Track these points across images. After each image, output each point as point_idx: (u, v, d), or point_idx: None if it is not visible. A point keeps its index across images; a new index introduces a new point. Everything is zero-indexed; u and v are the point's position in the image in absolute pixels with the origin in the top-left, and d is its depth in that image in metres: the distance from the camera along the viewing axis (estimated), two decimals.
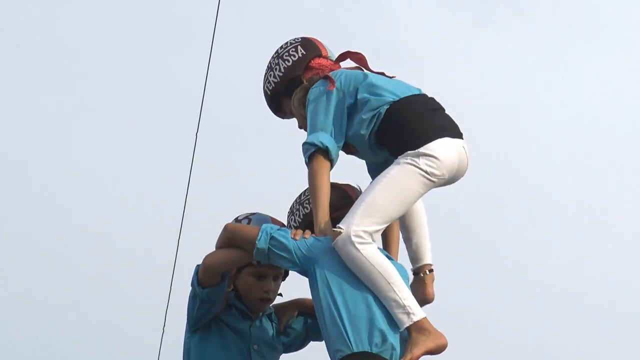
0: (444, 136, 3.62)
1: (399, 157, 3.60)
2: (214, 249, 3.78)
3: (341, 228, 3.50)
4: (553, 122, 13.80)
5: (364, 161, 3.95)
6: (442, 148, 3.59)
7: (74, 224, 12.92)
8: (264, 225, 3.66)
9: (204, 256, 3.80)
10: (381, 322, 3.48)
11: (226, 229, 3.76)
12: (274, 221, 3.91)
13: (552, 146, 13.50)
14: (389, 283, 3.47)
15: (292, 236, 3.60)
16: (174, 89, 12.56)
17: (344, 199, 3.77)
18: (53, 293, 12.52)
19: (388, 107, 3.66)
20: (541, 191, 13.11)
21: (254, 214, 3.93)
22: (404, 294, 3.49)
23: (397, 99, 3.67)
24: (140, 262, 12.01)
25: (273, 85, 3.89)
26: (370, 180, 3.83)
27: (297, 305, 4.06)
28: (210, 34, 5.10)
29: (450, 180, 3.67)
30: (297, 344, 4.07)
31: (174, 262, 5.50)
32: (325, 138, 3.63)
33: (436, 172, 3.57)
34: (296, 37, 3.94)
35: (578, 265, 12.72)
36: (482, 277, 12.06)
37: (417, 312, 3.49)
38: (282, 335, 4.01)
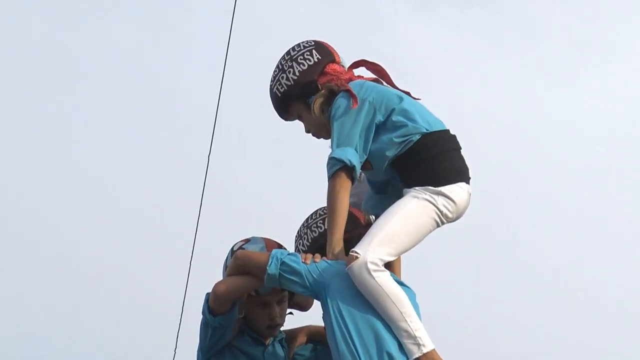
0: (462, 180, 3.66)
1: (416, 188, 3.62)
2: (225, 277, 3.79)
3: (357, 253, 3.49)
4: (562, 141, 13.87)
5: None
6: (459, 193, 3.63)
7: (84, 237, 13.00)
8: (274, 251, 3.65)
9: (214, 283, 3.79)
10: (392, 348, 3.48)
11: (237, 257, 3.75)
12: (270, 243, 3.89)
13: (560, 163, 13.56)
14: (401, 312, 3.48)
15: (303, 260, 3.59)
16: (187, 106, 12.65)
17: (353, 222, 3.77)
18: (69, 311, 12.63)
19: (419, 137, 3.66)
20: (550, 206, 13.21)
21: (249, 239, 3.91)
22: (415, 324, 3.49)
23: (429, 130, 3.68)
24: (153, 282, 12.05)
25: (285, 87, 3.83)
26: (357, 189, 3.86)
27: (306, 332, 4.06)
28: (224, 50, 5.10)
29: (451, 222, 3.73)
30: None
31: (185, 282, 5.54)
32: (352, 155, 3.62)
33: (449, 214, 3.61)
34: (307, 40, 3.90)
35: (578, 267, 12.84)
36: (482, 281, 12.19)
37: (427, 344, 3.48)
38: None
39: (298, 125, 3.95)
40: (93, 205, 13.27)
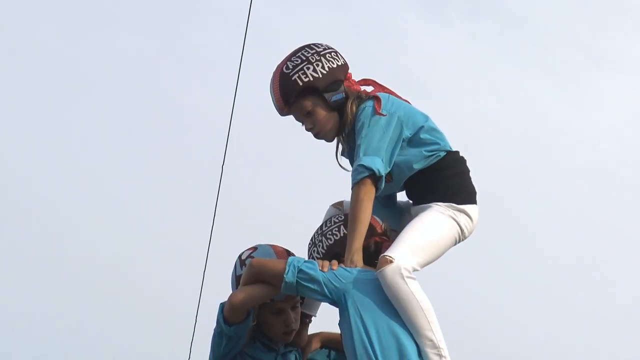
0: (476, 202, 3.79)
1: (439, 204, 3.72)
2: (241, 285, 3.76)
3: (392, 258, 3.53)
4: (571, 149, 13.87)
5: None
6: (475, 213, 3.76)
7: (98, 248, 13.04)
8: (290, 259, 3.64)
9: (227, 293, 3.78)
10: (412, 356, 3.49)
11: (251, 265, 3.73)
12: (278, 250, 3.88)
13: (569, 170, 13.57)
14: (429, 322, 3.51)
15: (320, 268, 3.59)
16: (201, 117, 12.71)
17: (370, 229, 3.76)
18: (82, 321, 12.66)
19: (445, 154, 3.78)
20: (556, 211, 13.21)
21: (256, 248, 3.91)
22: (439, 335, 3.52)
23: (452, 149, 3.81)
24: (166, 293, 12.08)
25: (311, 78, 3.80)
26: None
27: (320, 338, 4.06)
28: (237, 61, 5.13)
29: None
30: None
31: (199, 292, 5.58)
32: (381, 165, 3.67)
33: (466, 233, 3.73)
34: (321, 43, 3.92)
35: (576, 268, 12.87)
36: (484, 282, 12.25)
37: (448, 357, 3.53)
38: None
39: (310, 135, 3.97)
40: (106, 216, 13.34)
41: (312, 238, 3.95)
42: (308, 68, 3.79)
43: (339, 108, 3.82)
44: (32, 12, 13.90)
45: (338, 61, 3.83)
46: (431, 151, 3.76)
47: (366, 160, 3.67)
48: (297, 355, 3.98)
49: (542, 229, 13.15)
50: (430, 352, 3.51)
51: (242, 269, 3.81)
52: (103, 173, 13.54)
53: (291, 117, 3.92)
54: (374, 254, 3.71)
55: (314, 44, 3.87)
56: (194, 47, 13.76)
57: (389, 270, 3.51)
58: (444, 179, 3.75)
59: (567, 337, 12.28)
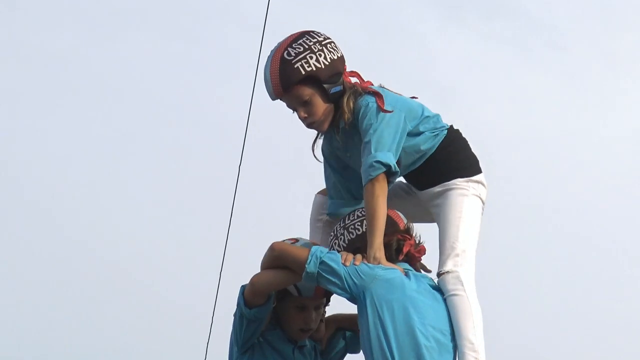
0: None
1: (459, 180, 3.81)
2: (260, 267, 3.76)
3: (448, 271, 3.70)
4: (590, 152, 13.87)
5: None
6: (485, 180, 3.90)
7: (114, 249, 13.14)
8: (313, 248, 3.63)
9: (250, 277, 3.78)
10: (427, 356, 3.51)
11: (273, 248, 3.72)
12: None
13: (586, 173, 13.58)
14: (474, 326, 3.62)
15: (343, 262, 3.59)
16: (218, 119, 12.77)
17: (393, 226, 3.78)
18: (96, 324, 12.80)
19: (446, 131, 3.86)
20: (576, 214, 13.22)
21: (297, 239, 3.88)
22: (479, 340, 3.63)
23: (448, 126, 3.91)
24: (182, 295, 12.17)
25: (314, 68, 3.78)
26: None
27: (333, 321, 4.06)
28: (255, 64, 5.16)
29: None
30: (337, 359, 4.09)
31: (215, 294, 5.60)
32: (393, 160, 3.71)
33: (484, 201, 3.86)
34: (319, 32, 3.92)
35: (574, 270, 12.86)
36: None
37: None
38: (326, 353, 4.03)
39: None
40: (122, 218, 13.44)
41: (334, 230, 3.94)
42: (311, 57, 3.77)
43: (335, 100, 3.82)
44: (52, 17, 14.05)
45: (338, 52, 3.83)
46: (434, 129, 3.83)
47: (381, 156, 3.68)
48: (316, 345, 3.99)
49: (559, 232, 13.16)
50: (467, 352, 3.59)
51: None
52: (113, 174, 13.66)
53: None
54: (396, 251, 3.73)
55: (313, 32, 3.86)
56: (212, 50, 13.84)
57: (451, 278, 3.68)
58: (455, 154, 3.83)
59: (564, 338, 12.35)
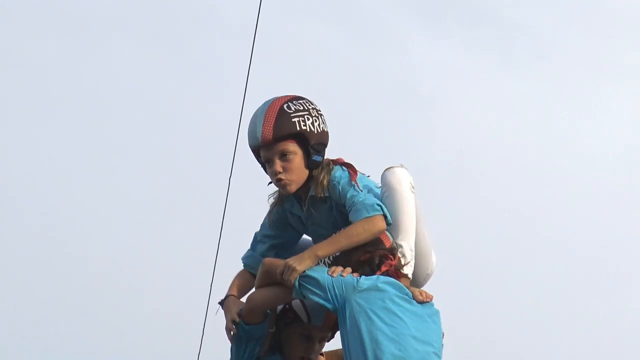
0: None
1: None
2: (255, 286, 3.87)
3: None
4: (574, 159, 14.02)
5: None
6: None
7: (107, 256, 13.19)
8: None
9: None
10: None
11: (263, 263, 3.84)
12: None
13: (571, 180, 13.71)
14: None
15: (330, 273, 3.69)
16: (209, 129, 12.81)
17: (377, 243, 3.88)
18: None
19: None
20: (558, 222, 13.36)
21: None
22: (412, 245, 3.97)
23: None
24: (174, 305, 12.19)
25: (308, 129, 3.95)
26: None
27: (335, 356, 4.14)
28: (244, 75, 5.28)
29: None
30: None
31: (206, 305, 5.67)
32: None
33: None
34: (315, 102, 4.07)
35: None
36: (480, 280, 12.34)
37: (412, 264, 3.88)
38: None
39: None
40: (118, 221, 13.48)
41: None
42: (308, 119, 3.92)
43: (310, 168, 3.95)
44: (37, 25, 14.13)
45: (326, 127, 4.00)
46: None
47: (379, 204, 3.86)
48: None
49: (546, 236, 13.27)
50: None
51: None
52: (114, 180, 13.74)
53: None
54: (377, 267, 3.79)
55: (311, 101, 4.01)
56: (202, 59, 13.92)
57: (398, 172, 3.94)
58: None
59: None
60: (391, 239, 3.91)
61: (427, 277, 4.08)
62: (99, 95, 13.90)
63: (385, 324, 3.62)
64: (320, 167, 3.95)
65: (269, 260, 3.85)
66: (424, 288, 3.97)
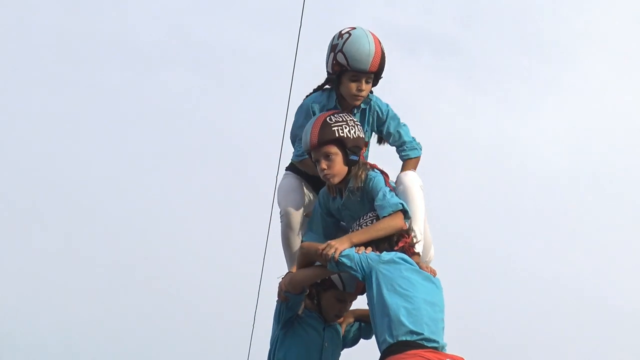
0: None
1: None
2: (296, 265, 4.56)
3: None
4: (525, 158, 15.75)
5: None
6: None
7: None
8: None
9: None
10: (426, 318, 4.20)
11: (302, 246, 4.55)
12: None
13: (518, 174, 15.26)
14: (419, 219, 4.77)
15: (356, 251, 4.37)
16: (253, 145, 14.17)
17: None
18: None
19: None
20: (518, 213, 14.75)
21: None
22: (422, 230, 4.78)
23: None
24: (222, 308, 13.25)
25: (345, 135, 4.62)
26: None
27: (352, 314, 4.96)
28: (287, 95, 5.77)
29: None
30: (352, 342, 4.99)
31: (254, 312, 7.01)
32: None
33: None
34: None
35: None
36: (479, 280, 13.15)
37: (421, 243, 4.74)
38: (343, 336, 4.90)
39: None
40: (165, 242, 14.86)
41: (351, 227, 4.74)
42: (345, 127, 4.66)
43: (349, 166, 4.68)
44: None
45: (362, 134, 4.72)
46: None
47: (401, 202, 4.58)
48: (338, 327, 4.86)
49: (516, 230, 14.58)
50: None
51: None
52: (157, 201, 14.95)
53: None
54: (395, 242, 4.51)
55: (349, 114, 4.75)
56: (245, 82, 15.22)
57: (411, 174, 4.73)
58: None
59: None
60: (407, 223, 4.61)
61: (427, 263, 4.66)
62: (148, 115, 15.05)
63: (403, 288, 4.24)
64: (357, 165, 4.68)
65: (307, 243, 4.58)
66: None
